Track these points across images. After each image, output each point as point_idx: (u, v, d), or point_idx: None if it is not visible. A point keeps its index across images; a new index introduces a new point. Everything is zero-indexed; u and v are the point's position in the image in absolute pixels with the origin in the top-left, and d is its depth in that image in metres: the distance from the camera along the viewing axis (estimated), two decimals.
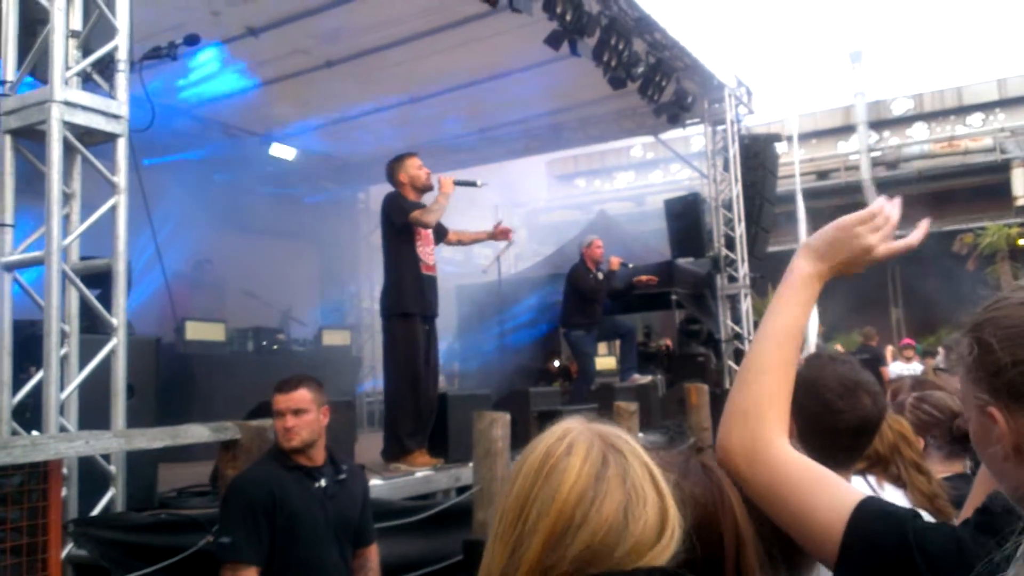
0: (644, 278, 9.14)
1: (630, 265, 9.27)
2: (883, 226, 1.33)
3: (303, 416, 3.32)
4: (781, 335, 1.31)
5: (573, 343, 8.76)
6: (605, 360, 12.15)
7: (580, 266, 8.79)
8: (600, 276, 8.75)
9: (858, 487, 2.28)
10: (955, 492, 2.39)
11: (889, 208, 1.35)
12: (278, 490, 3.23)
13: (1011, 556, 0.83)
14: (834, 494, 1.14)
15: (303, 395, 3.35)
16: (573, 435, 1.05)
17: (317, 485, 3.35)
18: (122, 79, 4.03)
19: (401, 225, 5.57)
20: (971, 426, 1.08)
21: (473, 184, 5.92)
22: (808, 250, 1.35)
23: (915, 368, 10.44)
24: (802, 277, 1.33)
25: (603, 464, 1.02)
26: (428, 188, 5.75)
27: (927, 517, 1.14)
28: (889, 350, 12.63)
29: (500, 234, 6.30)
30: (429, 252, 5.75)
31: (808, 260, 1.34)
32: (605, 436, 1.06)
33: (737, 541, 1.21)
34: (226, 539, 3.16)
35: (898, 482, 2.32)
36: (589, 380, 8.67)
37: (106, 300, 3.95)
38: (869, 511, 1.10)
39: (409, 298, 5.57)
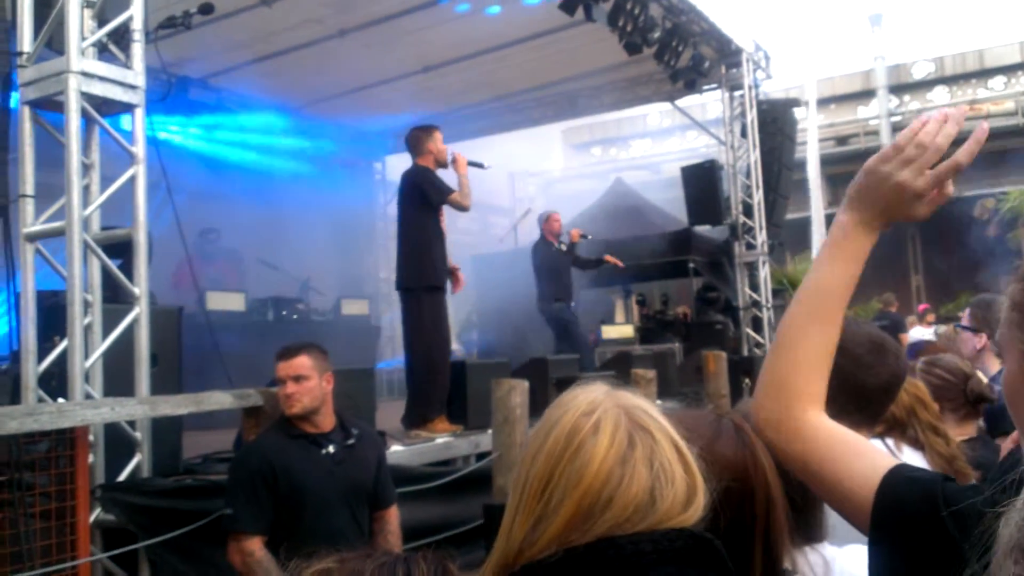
0: (610, 258, 9.10)
1: (589, 236, 9.18)
2: (917, 157, 1.16)
3: (304, 383, 3.35)
4: (815, 296, 1.24)
5: (555, 318, 8.55)
6: (621, 328, 12.18)
7: (540, 242, 8.69)
8: (563, 248, 8.65)
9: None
10: (972, 454, 2.40)
11: (927, 132, 1.17)
12: (278, 459, 3.28)
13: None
14: (865, 462, 1.13)
15: (303, 362, 3.38)
16: (600, 412, 1.03)
17: (324, 451, 3.39)
18: (138, 49, 4.04)
19: (436, 204, 5.62)
20: (1009, 375, 1.05)
21: (480, 166, 5.95)
22: (846, 199, 1.23)
23: (925, 334, 10.37)
24: (841, 228, 1.23)
25: (630, 445, 1.01)
26: (445, 165, 5.76)
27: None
28: (910, 319, 12.53)
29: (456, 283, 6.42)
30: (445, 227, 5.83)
31: (846, 211, 1.22)
32: (632, 413, 1.05)
33: (768, 503, 1.21)
34: (229, 510, 3.24)
35: (916, 445, 2.32)
36: (587, 346, 8.62)
37: (128, 270, 3.99)
38: (899, 477, 1.09)
39: (438, 271, 5.65)
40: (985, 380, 2.91)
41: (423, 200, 5.64)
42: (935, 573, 0.99)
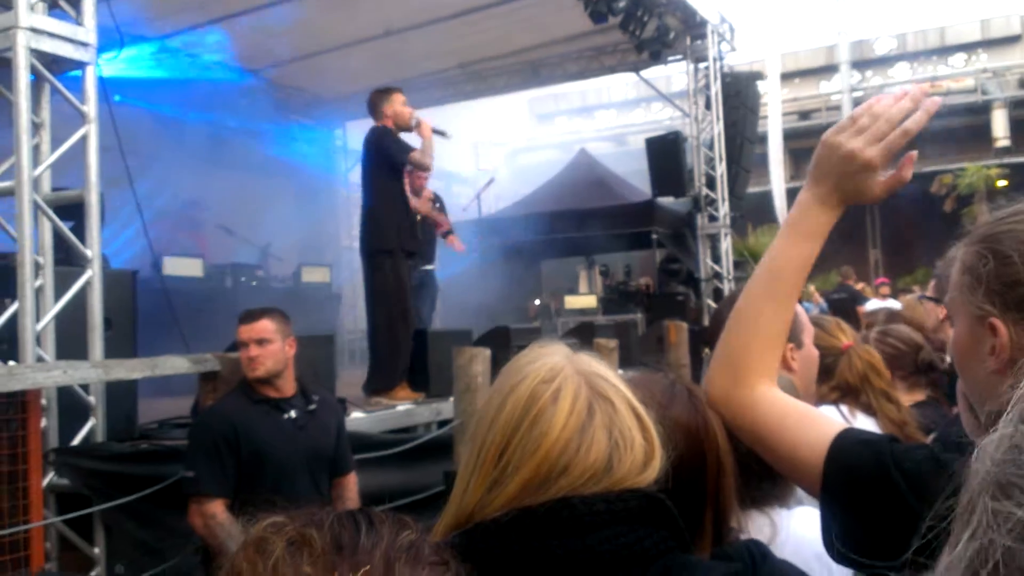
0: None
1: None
2: (869, 126, 1.16)
3: (267, 346, 3.34)
4: (770, 273, 1.24)
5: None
6: (584, 299, 12.24)
7: None
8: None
9: (832, 416, 2.35)
10: (922, 419, 2.46)
11: (883, 104, 1.17)
12: (241, 422, 3.27)
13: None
14: (813, 429, 1.15)
15: (265, 325, 3.36)
16: (560, 380, 1.03)
17: (286, 416, 3.39)
18: (89, 5, 3.93)
19: (398, 163, 5.50)
20: (959, 338, 1.07)
21: (443, 134, 5.86)
22: (807, 176, 1.22)
23: (891, 304, 10.57)
24: (799, 206, 1.22)
25: (589, 414, 1.01)
26: (409, 128, 5.63)
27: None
28: (862, 287, 12.73)
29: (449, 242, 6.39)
30: (412, 194, 5.71)
31: (806, 188, 1.22)
32: (591, 380, 1.04)
33: (718, 465, 1.24)
34: (190, 473, 3.22)
35: (869, 411, 2.38)
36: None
37: (80, 233, 3.90)
38: (846, 440, 1.11)
39: (393, 235, 5.52)
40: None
41: (381, 161, 5.54)
42: (888, 530, 1.01)
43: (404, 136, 5.70)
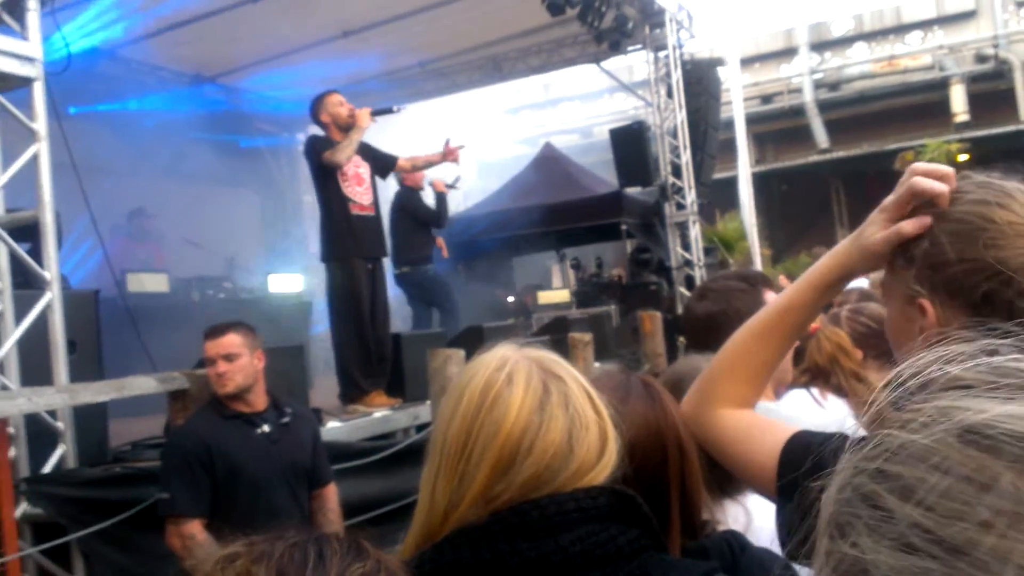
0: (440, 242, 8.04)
1: (456, 181, 7.74)
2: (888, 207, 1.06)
3: (235, 361, 3.29)
4: (770, 311, 1.22)
5: (427, 281, 7.55)
6: (558, 293, 12.24)
7: (409, 191, 7.66)
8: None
9: (802, 400, 2.36)
10: None
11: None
12: (214, 440, 3.22)
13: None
14: (767, 438, 1.17)
15: (232, 340, 3.31)
16: (511, 365, 1.05)
17: (259, 431, 3.34)
18: (34, 19, 3.83)
19: (319, 168, 5.44)
20: (891, 318, 1.09)
21: (390, 111, 5.79)
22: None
23: (861, 283, 10.69)
24: (834, 249, 1.15)
25: (545, 392, 1.02)
26: (350, 125, 5.53)
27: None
28: None
29: (450, 153, 6.09)
30: (362, 192, 5.58)
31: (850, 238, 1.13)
32: (542, 363, 1.06)
33: (681, 456, 1.24)
34: (165, 494, 3.17)
35: (839, 392, 2.39)
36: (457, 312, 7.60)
37: (37, 254, 3.81)
38: (795, 443, 1.13)
39: (340, 241, 5.46)
40: None
41: (312, 169, 5.53)
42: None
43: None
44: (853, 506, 0.39)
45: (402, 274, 7.42)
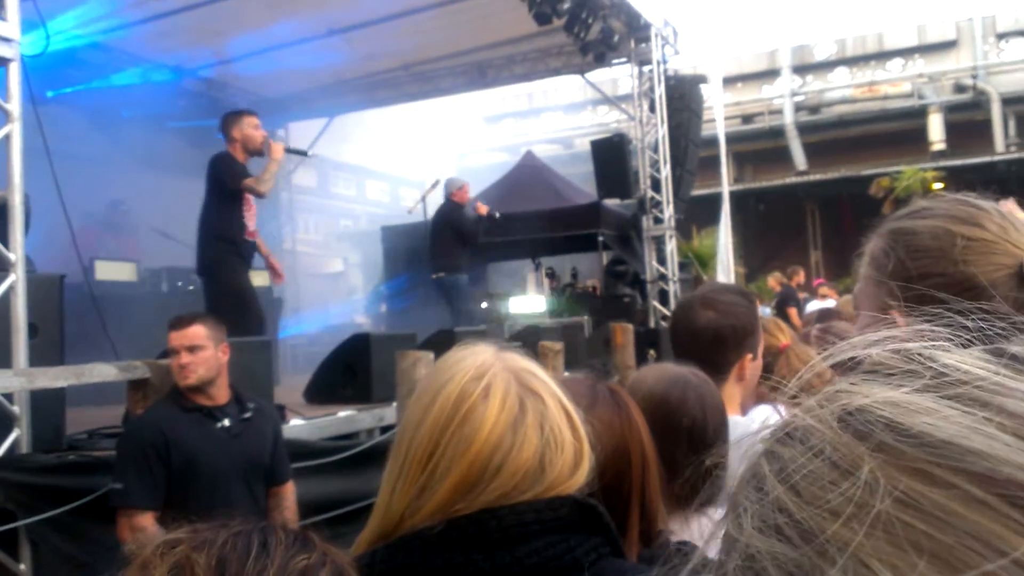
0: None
1: (497, 215, 8.78)
2: None
3: (199, 353, 3.24)
4: None
5: (455, 288, 8.32)
6: (531, 300, 12.23)
7: (455, 207, 8.42)
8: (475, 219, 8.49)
9: (769, 415, 2.36)
10: None
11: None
12: (172, 432, 3.17)
13: None
14: None
15: (197, 331, 3.26)
16: (489, 376, 1.00)
17: (219, 425, 3.29)
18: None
19: (233, 190, 5.36)
20: (864, 330, 1.09)
21: (303, 153, 5.77)
22: None
23: (830, 304, 10.80)
24: None
25: (521, 410, 0.98)
26: (260, 152, 5.49)
27: None
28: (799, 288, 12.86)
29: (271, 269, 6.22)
30: (251, 217, 5.55)
31: None
32: (521, 377, 1.01)
33: (643, 464, 1.24)
34: (118, 485, 3.11)
35: None
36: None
37: (3, 237, 3.74)
38: None
39: (232, 262, 5.40)
40: None
41: (218, 186, 5.40)
42: None
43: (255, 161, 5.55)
44: (743, 488, 0.38)
45: (437, 278, 8.28)
